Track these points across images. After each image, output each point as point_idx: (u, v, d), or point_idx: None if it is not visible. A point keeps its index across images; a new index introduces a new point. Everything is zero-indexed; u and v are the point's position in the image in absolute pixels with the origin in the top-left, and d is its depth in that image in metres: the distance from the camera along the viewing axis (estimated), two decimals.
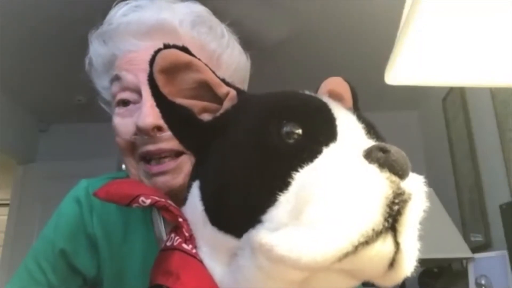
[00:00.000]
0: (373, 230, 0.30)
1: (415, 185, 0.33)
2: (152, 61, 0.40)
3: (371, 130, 0.39)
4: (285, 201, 0.33)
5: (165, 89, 0.41)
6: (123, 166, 0.65)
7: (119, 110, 0.62)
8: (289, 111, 0.37)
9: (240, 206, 0.35)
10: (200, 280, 0.37)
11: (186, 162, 0.58)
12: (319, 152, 0.34)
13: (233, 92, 0.43)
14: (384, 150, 0.32)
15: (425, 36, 0.55)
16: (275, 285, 0.34)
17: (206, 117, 0.43)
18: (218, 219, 0.38)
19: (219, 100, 0.43)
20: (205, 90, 0.43)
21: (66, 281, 0.65)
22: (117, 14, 0.64)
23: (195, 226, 0.40)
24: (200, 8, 0.67)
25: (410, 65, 0.60)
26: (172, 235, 0.40)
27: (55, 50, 2.48)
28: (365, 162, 0.32)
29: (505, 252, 1.61)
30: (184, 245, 0.39)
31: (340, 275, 0.33)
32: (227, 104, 0.43)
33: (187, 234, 0.39)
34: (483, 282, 1.61)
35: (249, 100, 0.42)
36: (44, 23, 2.26)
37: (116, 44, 0.63)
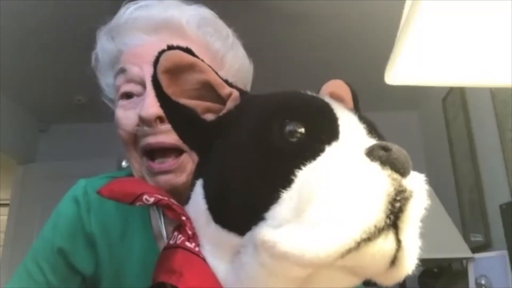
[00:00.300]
0: (375, 226, 0.30)
1: (416, 183, 0.33)
2: (156, 62, 0.41)
3: (372, 130, 0.39)
4: (288, 198, 0.33)
5: (169, 90, 0.41)
6: (123, 163, 0.65)
7: (122, 102, 0.62)
8: (292, 111, 0.38)
9: (243, 204, 0.36)
10: (203, 278, 0.37)
11: (188, 161, 0.59)
12: (321, 150, 0.35)
13: (235, 93, 0.43)
14: (385, 149, 0.33)
15: (425, 36, 0.55)
16: (278, 283, 0.34)
17: (209, 117, 0.43)
18: (221, 217, 0.38)
19: (222, 100, 0.44)
20: (208, 90, 0.43)
21: (65, 280, 0.66)
22: (126, 12, 0.65)
23: (198, 224, 0.40)
24: (207, 11, 0.68)
25: (410, 65, 0.60)
26: (175, 233, 0.41)
27: (55, 50, 2.48)
28: (367, 160, 0.32)
29: (505, 252, 1.61)
30: (187, 243, 0.39)
31: (342, 273, 0.34)
32: (230, 104, 0.43)
33: (190, 232, 0.40)
34: (483, 282, 1.61)
35: (251, 100, 0.43)
36: (44, 23, 2.26)
37: (123, 39, 0.64)
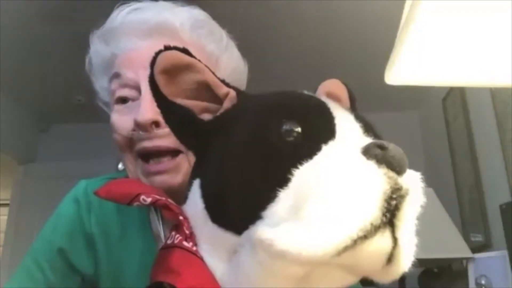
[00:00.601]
0: (372, 224, 0.30)
1: (412, 181, 0.33)
2: (153, 62, 0.41)
3: (369, 128, 0.39)
4: (285, 197, 0.33)
5: (165, 90, 0.42)
6: (119, 166, 0.66)
7: (117, 107, 0.63)
8: (289, 110, 0.38)
9: (240, 203, 0.36)
10: (201, 277, 0.37)
11: (184, 162, 0.59)
12: (318, 149, 0.35)
13: (232, 93, 0.44)
14: (382, 147, 0.33)
15: (425, 36, 0.55)
16: (276, 281, 0.34)
17: (206, 117, 0.43)
18: (219, 216, 0.38)
19: (219, 100, 0.44)
20: (205, 90, 0.44)
21: (65, 279, 0.66)
22: (119, 15, 0.65)
23: (195, 224, 0.40)
24: (200, 13, 0.68)
25: (410, 65, 0.60)
26: (173, 233, 0.41)
27: (55, 50, 2.48)
28: (363, 159, 0.33)
29: (505, 252, 1.61)
30: (185, 243, 0.39)
31: (339, 270, 0.34)
32: (227, 104, 0.43)
33: (187, 232, 0.40)
34: (483, 282, 1.61)
35: (248, 99, 0.43)
36: (44, 23, 2.26)
37: (117, 43, 0.64)
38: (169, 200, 0.41)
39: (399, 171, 0.32)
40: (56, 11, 2.17)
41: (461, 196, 2.32)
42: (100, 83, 0.68)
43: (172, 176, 0.58)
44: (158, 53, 0.41)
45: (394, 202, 0.31)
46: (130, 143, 0.61)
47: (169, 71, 0.41)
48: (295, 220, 0.32)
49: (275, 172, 0.34)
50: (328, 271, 0.34)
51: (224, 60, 0.67)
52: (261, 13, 2.26)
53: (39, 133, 3.37)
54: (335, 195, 0.31)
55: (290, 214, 0.32)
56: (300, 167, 0.34)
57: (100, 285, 0.67)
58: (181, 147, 0.58)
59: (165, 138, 0.57)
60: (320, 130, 0.36)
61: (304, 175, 0.33)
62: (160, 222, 0.64)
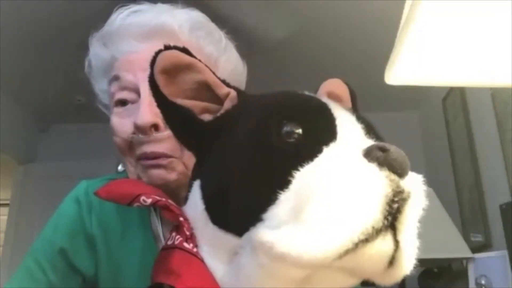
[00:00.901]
0: (373, 227, 0.30)
1: (414, 184, 0.33)
2: (153, 62, 0.41)
3: (370, 130, 0.39)
4: (286, 199, 0.33)
5: (165, 90, 0.41)
6: (119, 168, 0.66)
7: (117, 110, 0.63)
8: (289, 111, 0.37)
9: (241, 205, 0.36)
10: (201, 278, 0.37)
11: (178, 164, 0.59)
12: (319, 151, 0.34)
13: (233, 93, 0.43)
14: (383, 149, 0.33)
15: (425, 36, 0.55)
16: (276, 283, 0.34)
17: (206, 117, 0.43)
18: (219, 218, 0.38)
19: (219, 100, 0.43)
20: (205, 90, 0.43)
21: (66, 280, 0.66)
22: (118, 18, 0.65)
23: (196, 225, 0.40)
24: (199, 15, 0.68)
25: (410, 65, 0.60)
26: (173, 234, 0.41)
27: (55, 50, 2.48)
28: (364, 161, 0.32)
29: (505, 252, 1.61)
30: (185, 244, 0.39)
31: (340, 273, 0.34)
32: (227, 105, 0.43)
33: (188, 233, 0.39)
34: (483, 282, 1.61)
35: (249, 100, 0.43)
36: (44, 24, 2.26)
37: (116, 46, 0.64)
38: (169, 201, 0.41)
39: (401, 174, 0.32)
40: (56, 11, 2.16)
41: (461, 196, 2.32)
42: (100, 86, 0.69)
43: (168, 172, 0.58)
44: (158, 53, 0.41)
45: (395, 205, 0.31)
46: (130, 146, 0.61)
47: (169, 71, 0.41)
48: (295, 223, 0.32)
49: (276, 174, 0.34)
50: (329, 273, 0.34)
51: (222, 62, 0.67)
52: (260, 13, 2.26)
53: (39, 133, 3.37)
54: (336, 197, 0.31)
55: (291, 217, 0.32)
56: (301, 169, 0.34)
57: (99, 285, 0.67)
58: (176, 154, 0.58)
59: (163, 143, 0.58)
60: (321, 132, 0.36)
61: (305, 177, 0.33)
62: (160, 223, 0.64)
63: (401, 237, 0.32)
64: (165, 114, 0.43)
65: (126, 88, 0.61)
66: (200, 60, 0.43)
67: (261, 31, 2.35)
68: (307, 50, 2.57)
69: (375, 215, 0.30)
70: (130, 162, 0.62)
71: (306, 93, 0.42)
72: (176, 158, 0.59)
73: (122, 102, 0.62)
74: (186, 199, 0.43)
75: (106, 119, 0.66)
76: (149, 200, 0.40)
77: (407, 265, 0.34)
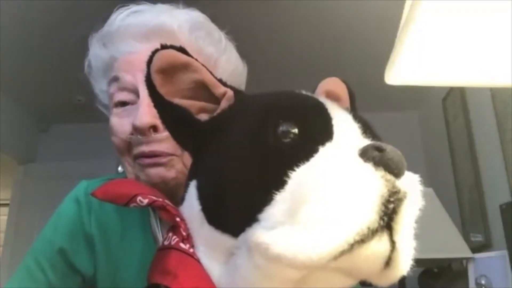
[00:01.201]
0: (369, 228, 0.30)
1: (411, 184, 0.33)
2: (149, 61, 0.40)
3: (367, 129, 0.39)
4: (282, 200, 0.33)
5: (162, 89, 0.41)
6: (119, 168, 0.66)
7: (116, 110, 0.63)
8: (286, 111, 0.37)
9: (237, 205, 0.36)
10: (198, 279, 0.37)
11: (178, 162, 0.59)
12: (315, 151, 0.34)
13: (230, 92, 0.43)
14: (379, 149, 0.32)
15: (425, 36, 0.55)
16: (272, 284, 0.34)
17: (203, 117, 0.43)
18: (215, 218, 0.38)
19: (216, 100, 0.43)
20: (202, 90, 0.43)
21: (65, 280, 0.66)
22: (117, 18, 0.65)
23: (192, 226, 0.40)
24: (198, 15, 0.68)
25: (410, 65, 0.60)
26: (170, 234, 0.40)
27: (55, 50, 2.48)
28: (360, 161, 0.32)
29: (505, 252, 1.61)
30: (182, 244, 0.39)
31: (336, 274, 0.33)
32: (224, 104, 0.43)
33: (184, 234, 0.39)
34: (483, 282, 1.61)
35: (246, 99, 0.43)
36: (44, 24, 2.26)
37: (115, 46, 0.64)
38: (166, 201, 0.41)
39: (397, 174, 0.32)
40: (56, 11, 2.16)
41: (461, 196, 2.32)
42: (100, 86, 0.69)
43: (167, 169, 0.59)
44: (154, 52, 0.40)
45: (391, 206, 0.31)
46: (128, 146, 0.61)
47: (166, 71, 0.41)
48: (291, 224, 0.31)
49: (272, 174, 0.34)
50: (326, 274, 0.33)
51: (222, 62, 0.67)
52: (261, 13, 2.26)
53: (39, 133, 3.38)
54: (331, 198, 0.31)
55: (287, 217, 0.32)
56: (296, 169, 0.33)
57: (98, 286, 0.66)
58: (176, 152, 0.58)
59: (162, 143, 0.58)
60: (317, 131, 0.36)
61: (301, 178, 0.33)
62: (158, 223, 0.64)
63: (397, 237, 0.32)
64: (161, 114, 0.43)
65: (126, 89, 0.61)
66: (197, 60, 0.42)
67: (261, 31, 2.35)
68: (307, 50, 2.57)
69: (371, 216, 0.30)
70: (128, 162, 0.62)
71: (303, 92, 0.42)
72: (176, 156, 0.59)
73: (122, 103, 0.62)
74: (182, 199, 0.43)
75: (106, 119, 0.66)
76: (145, 201, 0.40)
77: (403, 266, 0.33)
